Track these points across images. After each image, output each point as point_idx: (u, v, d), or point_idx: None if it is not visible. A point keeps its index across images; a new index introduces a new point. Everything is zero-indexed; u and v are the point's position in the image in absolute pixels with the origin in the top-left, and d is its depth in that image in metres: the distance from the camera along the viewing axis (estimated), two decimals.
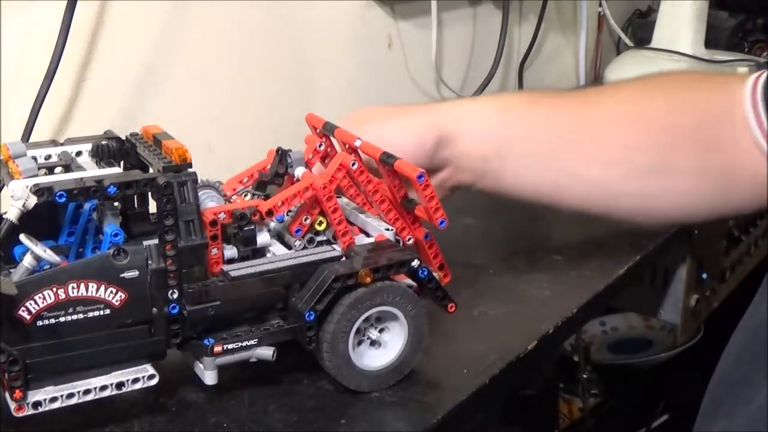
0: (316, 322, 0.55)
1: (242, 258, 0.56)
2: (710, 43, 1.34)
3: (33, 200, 0.49)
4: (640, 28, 1.49)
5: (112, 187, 0.50)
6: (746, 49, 1.42)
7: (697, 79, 0.75)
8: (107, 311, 0.51)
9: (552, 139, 0.72)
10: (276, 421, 0.55)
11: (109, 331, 0.51)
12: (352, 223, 0.62)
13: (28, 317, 0.49)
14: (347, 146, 0.65)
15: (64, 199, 0.49)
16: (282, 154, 0.63)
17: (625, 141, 0.70)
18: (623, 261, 0.77)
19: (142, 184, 0.51)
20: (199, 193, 0.54)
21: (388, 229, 0.62)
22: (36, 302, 0.49)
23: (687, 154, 0.68)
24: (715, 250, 1.31)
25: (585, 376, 1.24)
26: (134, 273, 0.51)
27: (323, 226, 0.59)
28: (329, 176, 0.59)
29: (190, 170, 0.52)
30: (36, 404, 0.50)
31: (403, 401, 0.57)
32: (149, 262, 0.51)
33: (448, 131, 0.71)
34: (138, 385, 0.52)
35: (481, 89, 1.16)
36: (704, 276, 1.31)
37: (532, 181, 0.73)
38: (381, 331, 0.58)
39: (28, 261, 0.49)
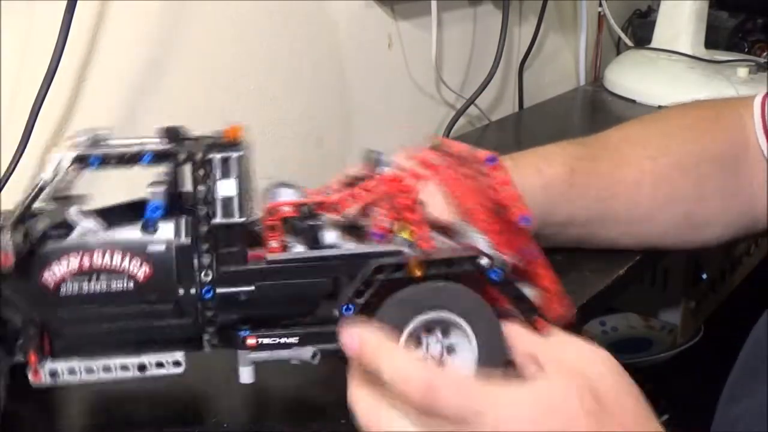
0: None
1: None
2: (710, 43, 1.34)
3: (67, 161, 0.48)
4: (640, 28, 1.49)
5: (147, 156, 0.48)
6: (746, 49, 1.42)
7: (705, 109, 0.78)
8: (131, 284, 0.48)
9: (592, 205, 0.73)
10: (276, 422, 0.55)
11: (133, 307, 0.48)
12: (443, 232, 0.52)
13: (51, 283, 0.47)
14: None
15: (97, 164, 0.47)
16: (372, 156, 0.55)
17: (650, 172, 0.72)
18: (623, 261, 0.77)
19: (181, 156, 0.48)
20: (276, 189, 0.50)
21: (481, 240, 0.51)
22: (60, 268, 0.47)
23: (707, 180, 0.72)
24: (715, 250, 1.31)
25: None
26: (161, 247, 0.48)
27: (406, 233, 0.50)
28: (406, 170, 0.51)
29: (238, 148, 0.49)
30: (53, 374, 0.48)
31: None
32: (177, 237, 0.48)
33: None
34: (162, 371, 0.49)
35: (480, 89, 1.16)
36: (704, 276, 1.31)
37: (580, 220, 0.73)
38: (449, 349, 0.48)
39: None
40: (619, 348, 1.30)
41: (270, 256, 0.49)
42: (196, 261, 0.48)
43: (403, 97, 1.11)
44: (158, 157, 0.48)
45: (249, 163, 0.50)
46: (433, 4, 1.09)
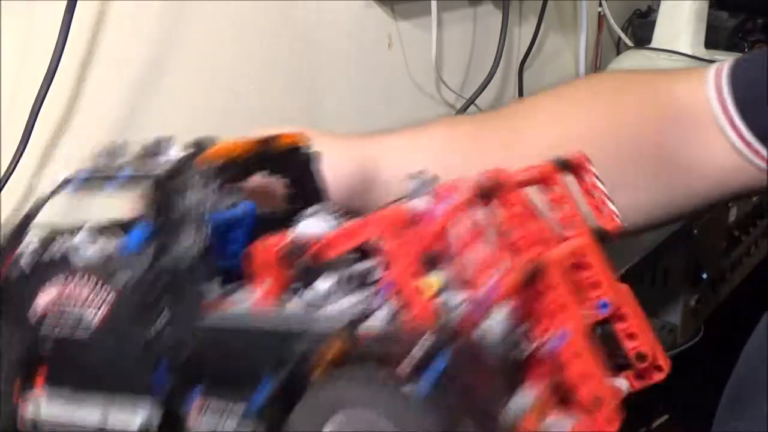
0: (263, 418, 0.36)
1: None
2: (710, 43, 1.34)
3: (60, 177, 0.44)
4: (640, 28, 1.49)
5: (123, 176, 0.41)
6: (746, 49, 1.42)
7: (632, 80, 0.70)
8: (95, 322, 0.40)
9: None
10: None
11: (101, 344, 0.40)
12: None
13: (37, 309, 0.42)
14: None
15: (83, 180, 0.43)
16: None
17: (567, 137, 0.62)
18: (623, 261, 0.77)
19: (153, 178, 0.40)
20: (309, 211, 0.40)
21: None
22: (46, 293, 0.41)
23: (638, 167, 0.62)
24: (715, 250, 1.31)
25: None
26: (121, 283, 0.40)
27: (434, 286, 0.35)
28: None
29: (209, 168, 0.39)
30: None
31: None
32: (135, 269, 0.39)
33: (373, 169, 0.58)
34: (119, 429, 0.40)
35: (481, 89, 1.16)
36: (704, 276, 1.31)
37: None
38: None
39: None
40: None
41: (211, 315, 0.38)
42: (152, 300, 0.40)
43: (403, 97, 1.11)
44: (133, 180, 0.41)
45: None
46: (433, 4, 1.09)
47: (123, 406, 0.40)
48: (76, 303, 0.41)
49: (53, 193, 0.44)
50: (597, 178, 0.42)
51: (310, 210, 0.40)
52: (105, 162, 0.43)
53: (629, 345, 0.41)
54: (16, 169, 0.68)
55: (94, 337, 0.40)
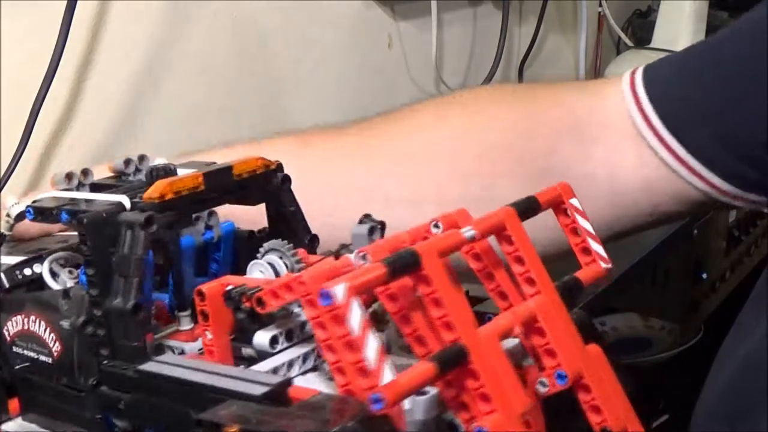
0: None
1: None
2: None
3: (16, 211, 0.45)
4: (640, 28, 1.49)
5: (63, 214, 0.39)
6: None
7: (511, 92, 0.66)
8: (49, 360, 0.40)
9: (333, 189, 0.58)
10: None
11: (52, 387, 0.40)
12: None
13: (7, 336, 0.41)
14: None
15: (31, 217, 0.40)
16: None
17: (435, 177, 0.58)
18: (623, 261, 0.77)
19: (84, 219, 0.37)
20: (264, 247, 0.40)
21: None
22: (13, 322, 0.41)
23: (515, 179, 0.58)
24: (715, 250, 1.31)
25: None
26: (67, 324, 0.39)
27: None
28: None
29: (145, 211, 0.37)
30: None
31: None
32: (79, 313, 0.38)
33: None
34: None
35: None
36: (704, 276, 1.31)
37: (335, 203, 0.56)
38: None
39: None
40: (619, 348, 1.30)
41: (145, 365, 0.37)
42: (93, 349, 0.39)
43: (403, 97, 1.11)
44: (71, 215, 0.39)
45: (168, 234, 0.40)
46: (433, 4, 1.09)
47: None
48: (40, 332, 0.40)
49: (9, 226, 0.45)
50: (581, 213, 0.39)
51: (265, 245, 0.39)
52: (62, 188, 0.42)
53: (594, 419, 0.35)
54: (16, 169, 0.68)
55: (55, 366, 0.40)
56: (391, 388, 0.28)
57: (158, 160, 0.43)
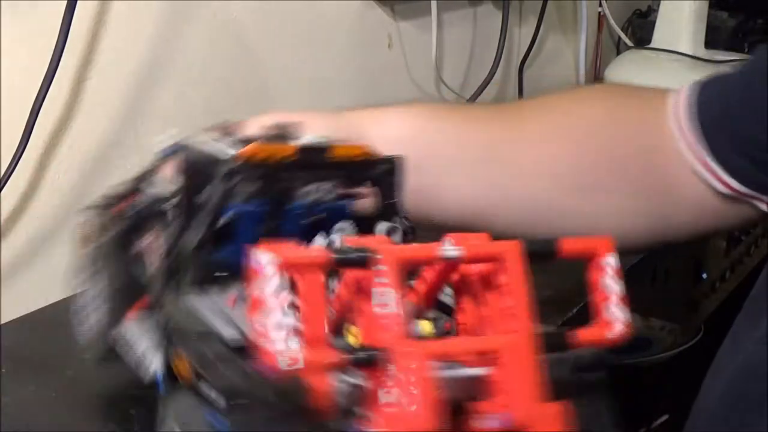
0: None
1: None
2: (710, 43, 1.34)
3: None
4: (640, 28, 1.49)
5: (170, 150, 0.45)
6: (746, 49, 1.42)
7: (627, 94, 0.68)
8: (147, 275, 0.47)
9: (483, 147, 0.61)
10: None
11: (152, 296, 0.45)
12: None
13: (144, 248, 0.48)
14: None
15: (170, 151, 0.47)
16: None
17: (559, 157, 0.61)
18: (623, 261, 0.77)
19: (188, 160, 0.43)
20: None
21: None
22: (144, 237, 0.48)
23: (623, 173, 0.60)
24: (715, 250, 1.31)
25: None
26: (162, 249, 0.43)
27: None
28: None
29: (236, 165, 0.41)
30: None
31: None
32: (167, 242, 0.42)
33: (357, 137, 0.55)
34: None
35: (481, 89, 1.16)
36: (704, 276, 1.31)
37: (470, 193, 0.61)
38: None
39: None
40: (619, 348, 1.30)
41: (187, 297, 0.41)
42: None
43: (403, 97, 1.11)
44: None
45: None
46: (433, 4, 1.09)
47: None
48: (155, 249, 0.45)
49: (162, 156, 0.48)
50: (615, 272, 0.37)
51: (337, 225, 0.42)
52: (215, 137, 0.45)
53: None
54: (16, 169, 0.68)
55: (149, 280, 0.45)
56: (278, 354, 0.30)
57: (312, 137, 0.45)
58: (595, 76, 1.45)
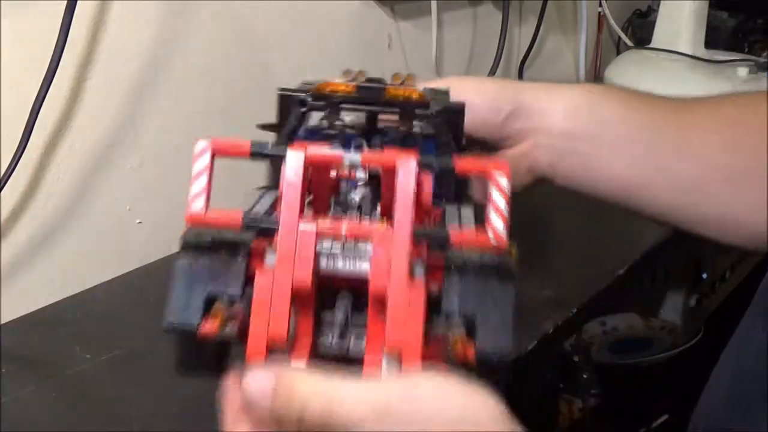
0: None
1: None
2: (710, 43, 1.34)
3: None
4: (640, 28, 1.49)
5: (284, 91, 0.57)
6: (746, 49, 1.42)
7: None
8: None
9: (654, 129, 0.68)
10: None
11: None
12: None
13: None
14: None
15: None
16: None
17: (726, 142, 0.66)
18: (623, 261, 0.77)
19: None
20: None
21: None
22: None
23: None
24: (715, 250, 1.31)
25: (585, 376, 1.24)
26: None
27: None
28: None
29: (308, 94, 0.56)
30: None
31: None
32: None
33: (529, 103, 0.67)
34: None
35: None
36: (704, 276, 1.31)
37: (623, 172, 0.68)
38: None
39: None
40: (619, 348, 1.30)
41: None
42: None
43: None
44: None
45: None
46: (433, 4, 1.09)
47: None
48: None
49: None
50: (502, 192, 0.44)
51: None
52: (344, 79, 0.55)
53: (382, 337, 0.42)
54: (16, 169, 0.68)
55: None
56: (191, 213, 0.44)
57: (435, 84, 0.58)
58: (595, 76, 1.45)
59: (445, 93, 0.58)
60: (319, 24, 0.98)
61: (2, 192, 0.68)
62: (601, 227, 0.84)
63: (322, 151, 0.45)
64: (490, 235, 0.43)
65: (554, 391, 1.23)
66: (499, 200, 0.44)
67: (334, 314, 0.44)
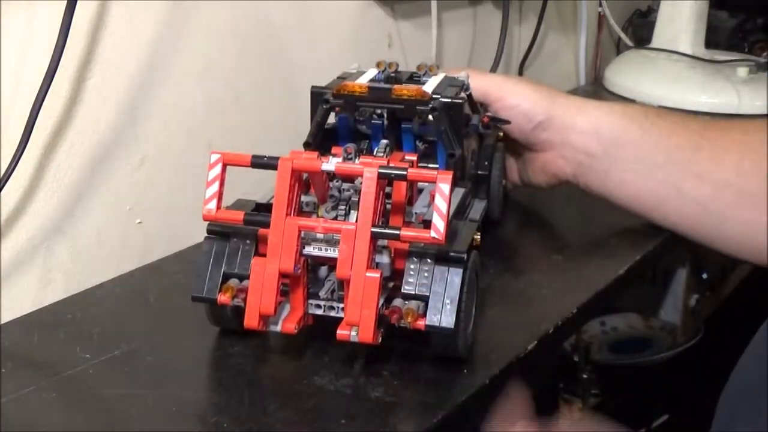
0: None
1: None
2: (710, 43, 1.34)
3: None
4: (640, 28, 1.49)
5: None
6: (746, 49, 1.42)
7: None
8: None
9: (667, 151, 0.72)
10: (276, 421, 0.55)
11: None
12: None
13: None
14: None
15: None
16: None
17: (741, 166, 0.69)
18: (623, 261, 0.77)
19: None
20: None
21: None
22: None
23: None
24: (715, 250, 1.30)
25: (585, 376, 1.24)
26: None
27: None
28: None
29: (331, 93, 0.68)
30: None
31: (402, 401, 0.57)
32: None
33: (559, 118, 0.74)
34: None
35: None
36: (704, 276, 1.31)
37: (638, 190, 0.73)
38: None
39: None
40: (619, 348, 1.30)
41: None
42: None
43: None
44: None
45: None
46: (433, 4, 1.09)
47: None
48: None
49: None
50: (444, 197, 0.53)
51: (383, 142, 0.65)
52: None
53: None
54: (16, 169, 0.68)
55: None
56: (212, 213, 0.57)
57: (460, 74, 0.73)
58: (595, 76, 1.45)
59: (461, 82, 0.70)
60: (318, 23, 0.98)
61: (2, 192, 0.68)
62: (601, 227, 0.84)
63: (304, 162, 0.56)
64: (433, 233, 0.53)
65: (554, 391, 1.23)
66: (441, 204, 0.53)
67: (324, 286, 0.58)
